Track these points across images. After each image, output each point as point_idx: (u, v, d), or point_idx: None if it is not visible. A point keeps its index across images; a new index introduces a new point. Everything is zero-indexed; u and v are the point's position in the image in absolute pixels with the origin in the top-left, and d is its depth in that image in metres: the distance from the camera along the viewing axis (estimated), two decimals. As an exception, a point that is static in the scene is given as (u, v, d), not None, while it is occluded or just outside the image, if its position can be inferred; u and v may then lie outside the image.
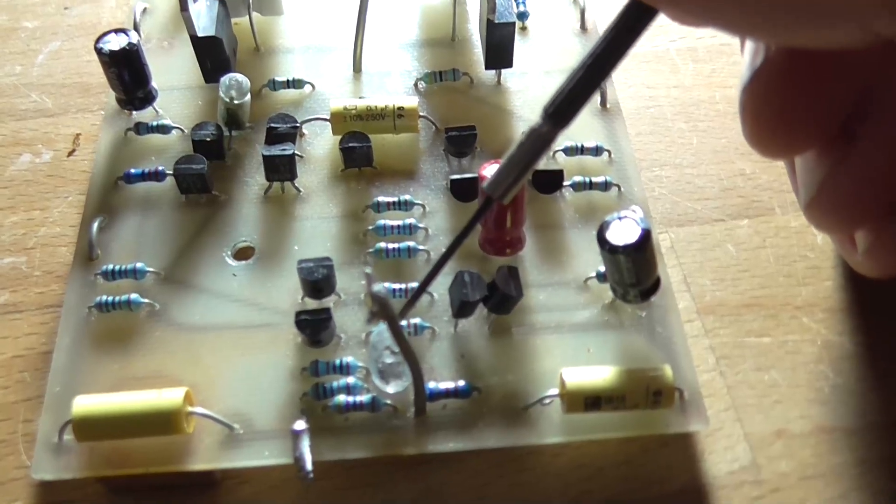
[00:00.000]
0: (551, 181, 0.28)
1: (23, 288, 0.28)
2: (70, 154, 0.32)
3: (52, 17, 0.37)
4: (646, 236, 0.23)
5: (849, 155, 0.20)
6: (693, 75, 0.34)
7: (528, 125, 0.29)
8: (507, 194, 0.20)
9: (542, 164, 0.28)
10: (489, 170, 0.25)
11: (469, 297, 0.24)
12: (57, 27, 0.36)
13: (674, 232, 0.29)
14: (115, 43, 0.28)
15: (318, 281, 0.25)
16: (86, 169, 0.31)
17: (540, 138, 0.19)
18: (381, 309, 0.19)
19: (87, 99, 0.33)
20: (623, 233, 0.23)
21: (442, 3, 0.33)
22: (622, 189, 0.28)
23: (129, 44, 0.28)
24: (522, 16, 0.33)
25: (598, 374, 0.23)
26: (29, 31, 0.36)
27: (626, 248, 0.23)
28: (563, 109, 0.18)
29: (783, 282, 0.28)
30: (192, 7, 0.28)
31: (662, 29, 0.36)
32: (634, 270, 0.24)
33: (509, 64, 0.30)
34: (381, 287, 0.19)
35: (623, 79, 0.33)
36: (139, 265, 0.26)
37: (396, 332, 0.20)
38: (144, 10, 0.34)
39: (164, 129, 0.29)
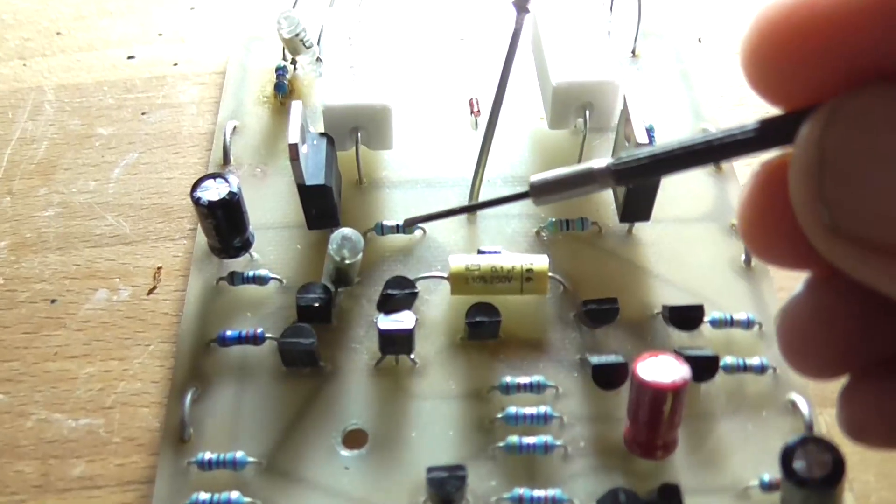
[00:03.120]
0: (706, 368, 0.24)
1: (101, 457, 0.25)
2: (151, 292, 0.29)
3: (128, 122, 0.34)
4: (840, 469, 0.20)
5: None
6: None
7: (665, 286, 0.27)
8: (544, 202, 0.17)
9: (689, 348, 0.25)
10: (645, 365, 0.22)
11: (626, 523, 0.21)
12: (134, 135, 0.33)
13: (829, 414, 0.26)
14: (213, 191, 0.25)
15: (450, 493, 0.22)
16: (168, 311, 0.28)
17: (595, 182, 0.16)
18: None
19: (168, 224, 0.30)
20: (811, 460, 0.20)
21: (561, 134, 0.30)
22: (778, 371, 0.25)
23: (230, 193, 0.25)
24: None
25: None
26: (104, 140, 0.33)
27: (818, 482, 0.20)
28: (627, 175, 0.15)
29: (957, 480, 0.25)
30: (300, 151, 0.25)
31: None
32: (822, 502, 0.21)
33: (647, 217, 0.27)
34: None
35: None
36: (239, 455, 0.23)
37: None
38: (234, 128, 0.31)
39: (261, 280, 0.26)
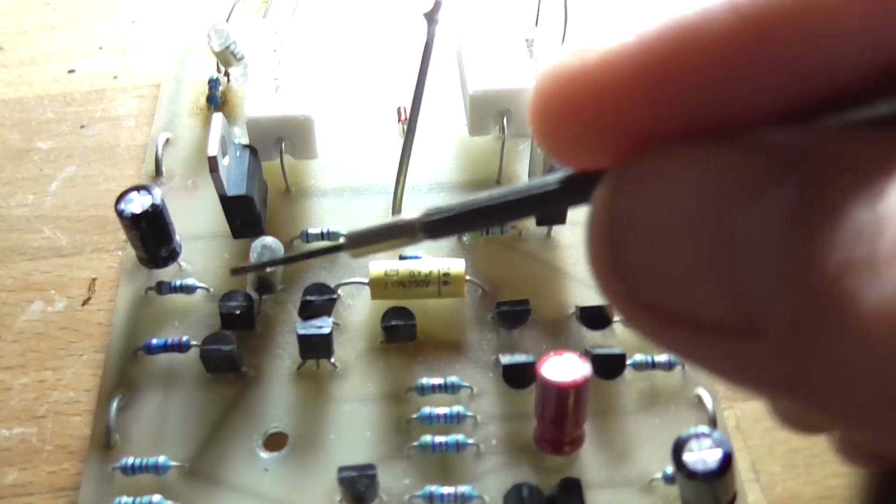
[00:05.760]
0: (613, 366, 0.25)
1: (33, 465, 0.26)
2: (85, 303, 0.29)
3: (66, 136, 0.34)
4: (726, 460, 0.21)
5: None
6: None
7: (581, 286, 0.28)
8: (359, 255, 0.17)
9: (600, 347, 0.26)
10: (549, 365, 0.22)
11: (528, 517, 0.22)
12: (72, 149, 0.34)
13: (739, 408, 0.27)
14: (137, 203, 0.26)
15: (360, 492, 0.22)
16: (101, 321, 0.29)
17: (407, 235, 0.15)
18: None
19: (104, 236, 0.31)
20: (701, 454, 0.21)
21: (486, 141, 0.31)
22: (686, 368, 0.26)
23: (153, 205, 0.26)
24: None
25: None
26: (43, 154, 0.34)
27: (706, 474, 0.21)
28: (436, 230, 0.15)
29: (859, 470, 0.26)
30: (220, 163, 0.26)
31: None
32: (713, 493, 0.22)
33: (562, 221, 0.28)
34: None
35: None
36: (161, 459, 0.24)
37: None
38: (167, 140, 0.32)
39: (188, 290, 0.27)
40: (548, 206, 0.14)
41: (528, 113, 0.12)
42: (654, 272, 0.11)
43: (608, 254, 0.12)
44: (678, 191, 0.11)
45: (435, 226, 0.15)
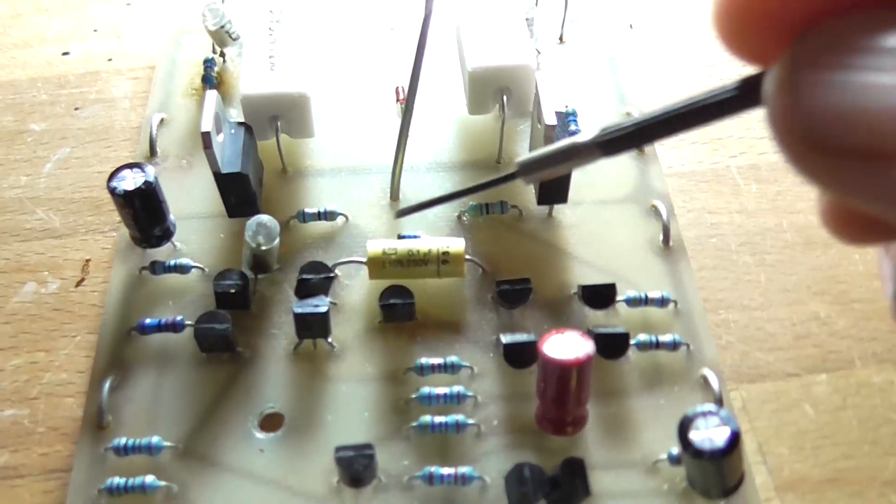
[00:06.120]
0: (616, 345, 0.25)
1: (25, 447, 0.25)
2: (79, 284, 0.29)
3: (61, 118, 0.34)
4: (734, 440, 0.21)
5: None
6: (757, 198, 0.31)
7: (583, 266, 0.27)
8: (533, 180, 0.17)
9: (603, 326, 0.25)
10: (551, 343, 0.22)
11: (531, 497, 0.21)
12: (66, 131, 0.33)
13: (745, 389, 0.26)
14: (129, 181, 0.25)
15: (358, 472, 0.22)
16: (95, 302, 0.28)
17: (582, 154, 0.15)
18: None
19: (98, 217, 0.31)
20: (708, 432, 0.21)
21: (486, 120, 0.31)
22: (691, 348, 0.25)
23: (146, 182, 0.25)
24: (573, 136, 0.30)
25: None
26: (36, 136, 0.33)
27: (713, 453, 0.20)
28: (614, 146, 0.15)
29: (868, 451, 0.25)
30: (214, 139, 0.25)
31: (721, 142, 0.33)
32: (720, 473, 0.21)
33: (564, 200, 0.27)
34: None
35: (682, 202, 0.31)
36: (154, 440, 0.23)
37: None
38: (162, 120, 0.31)
39: (182, 269, 0.27)
40: (727, 110, 0.14)
41: (712, 16, 0.13)
42: (838, 111, 0.12)
43: (790, 101, 0.12)
44: (862, 34, 0.12)
45: (612, 142, 0.15)
